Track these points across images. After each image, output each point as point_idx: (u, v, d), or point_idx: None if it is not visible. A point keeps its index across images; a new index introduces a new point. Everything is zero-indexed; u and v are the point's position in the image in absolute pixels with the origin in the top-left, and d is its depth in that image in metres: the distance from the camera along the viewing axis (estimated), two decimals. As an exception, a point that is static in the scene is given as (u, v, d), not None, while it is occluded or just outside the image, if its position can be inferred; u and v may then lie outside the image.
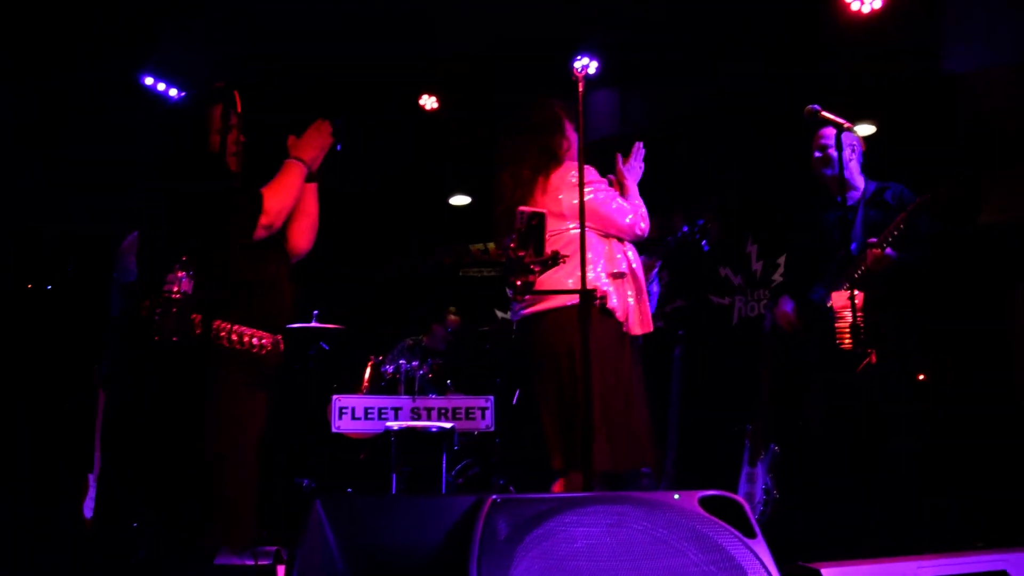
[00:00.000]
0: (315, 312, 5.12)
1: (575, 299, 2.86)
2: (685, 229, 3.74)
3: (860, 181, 3.99)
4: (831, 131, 3.90)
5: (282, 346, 2.72)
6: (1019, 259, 4.96)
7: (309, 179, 2.85)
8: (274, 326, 2.68)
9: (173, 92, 5.77)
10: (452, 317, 6.21)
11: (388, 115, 6.56)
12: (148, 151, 2.84)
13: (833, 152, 3.86)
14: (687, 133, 6.19)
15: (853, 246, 3.76)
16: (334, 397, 4.74)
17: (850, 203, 3.93)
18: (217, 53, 5.33)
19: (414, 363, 4.99)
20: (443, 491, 4.42)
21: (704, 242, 3.67)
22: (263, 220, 2.61)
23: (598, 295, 2.75)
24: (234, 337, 2.54)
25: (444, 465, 4.43)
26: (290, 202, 2.71)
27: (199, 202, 2.56)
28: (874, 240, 3.62)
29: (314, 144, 2.80)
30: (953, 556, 2.24)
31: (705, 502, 1.83)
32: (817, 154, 3.99)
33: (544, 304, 3.11)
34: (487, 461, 5.21)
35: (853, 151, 3.97)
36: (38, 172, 5.58)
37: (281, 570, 2.50)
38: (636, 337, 3.22)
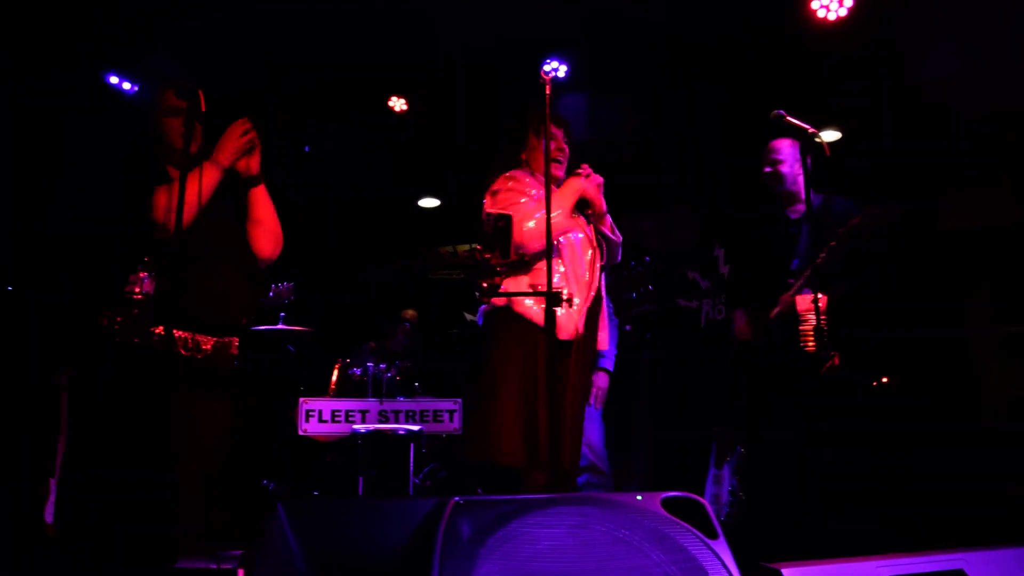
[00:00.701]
0: (282, 314, 5.08)
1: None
2: (632, 264, 3.77)
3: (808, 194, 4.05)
4: (782, 144, 3.98)
5: (233, 349, 2.69)
6: (981, 263, 5.06)
7: (254, 183, 2.79)
8: (217, 329, 2.64)
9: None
10: (409, 312, 6.17)
11: (357, 116, 6.54)
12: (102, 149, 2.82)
13: (783, 168, 3.92)
14: (656, 138, 6.23)
15: (795, 263, 3.83)
16: (301, 400, 4.70)
17: (796, 216, 3.98)
18: (188, 57, 5.28)
19: (382, 366, 4.97)
20: (411, 494, 4.41)
21: (651, 286, 3.71)
22: (156, 219, 2.54)
23: (566, 296, 2.74)
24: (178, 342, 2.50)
25: (411, 468, 4.41)
26: (188, 199, 2.57)
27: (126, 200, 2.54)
28: (792, 281, 3.70)
29: (228, 146, 2.73)
30: (912, 556, 2.26)
31: (667, 503, 1.84)
32: (767, 168, 4.01)
33: (494, 301, 3.18)
34: (456, 464, 5.20)
35: (802, 164, 4.00)
36: (15, 172, 5.50)
37: (243, 574, 2.48)
38: (566, 342, 3.14)
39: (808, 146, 3.41)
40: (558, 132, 3.36)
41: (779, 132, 3.94)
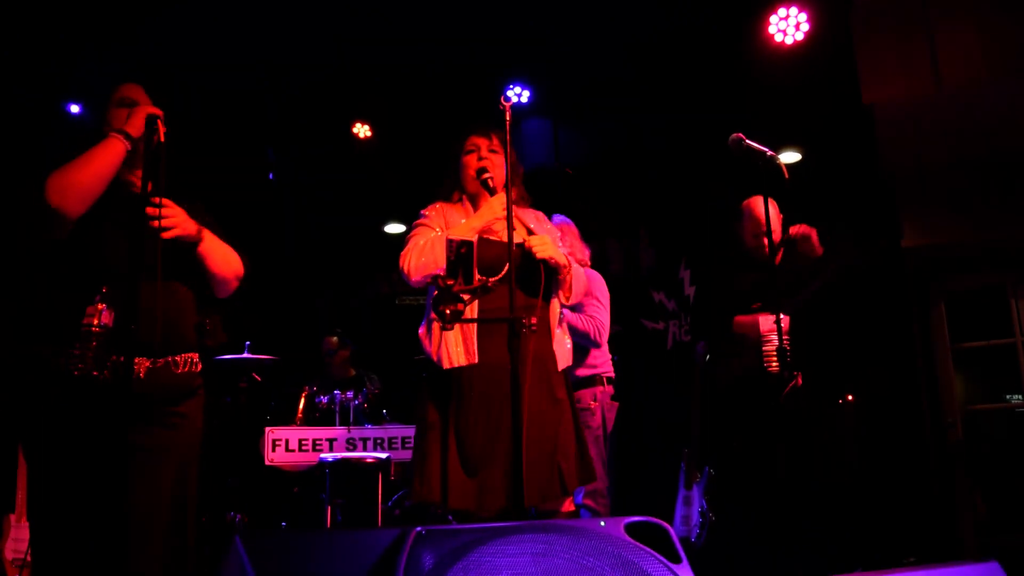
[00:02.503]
0: (247, 343, 5.03)
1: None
2: None
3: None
4: (761, 209, 3.93)
5: (178, 369, 2.57)
6: (937, 280, 5.14)
7: (196, 241, 2.57)
8: (176, 348, 2.56)
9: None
10: (331, 339, 6.06)
11: (321, 142, 6.54)
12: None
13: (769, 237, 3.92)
14: (621, 160, 6.28)
15: None
16: (267, 429, 4.65)
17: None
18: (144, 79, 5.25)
19: (349, 393, 4.94)
20: (379, 522, 4.36)
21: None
22: (44, 199, 2.34)
23: (528, 323, 2.71)
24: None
25: (380, 496, 4.37)
26: (83, 177, 2.40)
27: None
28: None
29: (137, 120, 2.49)
30: (877, 574, 2.27)
31: (631, 528, 1.84)
32: (757, 238, 4.00)
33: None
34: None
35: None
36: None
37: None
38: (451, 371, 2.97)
39: (767, 169, 3.44)
40: (481, 142, 3.13)
41: (741, 154, 3.92)
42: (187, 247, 2.55)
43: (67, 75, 5.30)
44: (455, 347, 2.93)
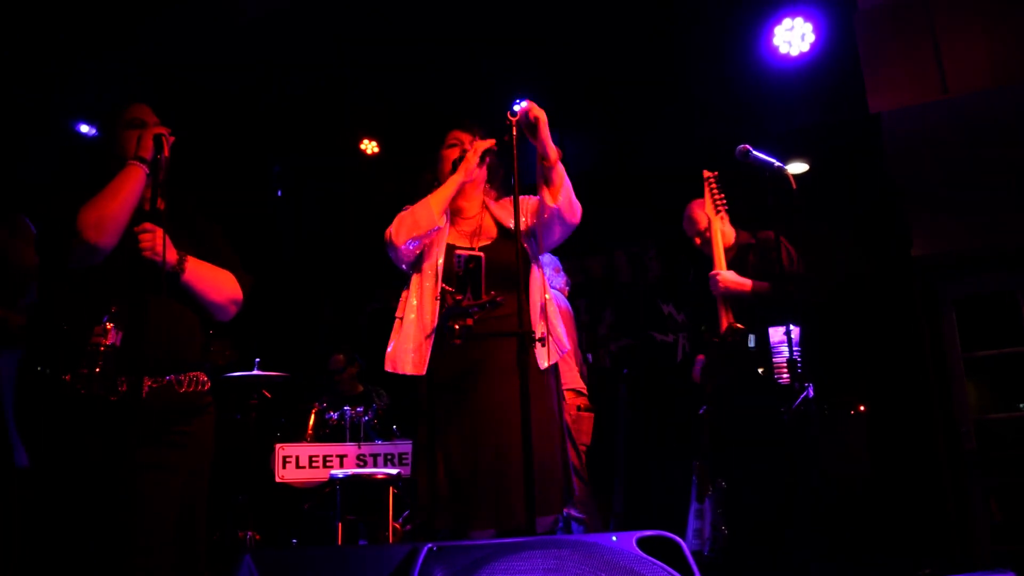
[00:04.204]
0: (256, 360, 5.04)
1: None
2: None
3: (732, 236, 4.12)
4: (698, 213, 4.09)
5: (203, 384, 2.57)
6: (947, 288, 5.12)
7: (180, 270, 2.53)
8: (182, 365, 2.54)
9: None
10: (339, 356, 6.04)
11: (329, 159, 6.56)
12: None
13: (709, 235, 4.02)
14: (628, 172, 6.28)
15: None
16: (277, 446, 4.65)
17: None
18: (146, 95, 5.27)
19: (359, 409, 4.94)
20: (390, 538, 4.35)
21: None
22: (81, 235, 2.35)
23: (537, 335, 2.71)
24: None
25: (391, 512, 4.36)
26: (114, 209, 2.40)
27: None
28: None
29: (148, 143, 2.52)
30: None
31: (643, 543, 1.82)
32: (697, 240, 4.13)
33: None
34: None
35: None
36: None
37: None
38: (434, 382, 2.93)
39: (774, 180, 3.46)
40: (463, 137, 3.12)
41: (748, 165, 3.93)
42: (170, 273, 2.51)
43: (67, 75, 5.28)
44: (406, 356, 2.89)
